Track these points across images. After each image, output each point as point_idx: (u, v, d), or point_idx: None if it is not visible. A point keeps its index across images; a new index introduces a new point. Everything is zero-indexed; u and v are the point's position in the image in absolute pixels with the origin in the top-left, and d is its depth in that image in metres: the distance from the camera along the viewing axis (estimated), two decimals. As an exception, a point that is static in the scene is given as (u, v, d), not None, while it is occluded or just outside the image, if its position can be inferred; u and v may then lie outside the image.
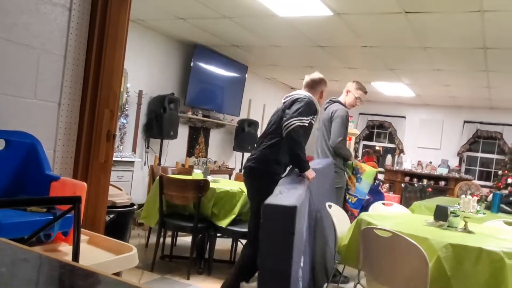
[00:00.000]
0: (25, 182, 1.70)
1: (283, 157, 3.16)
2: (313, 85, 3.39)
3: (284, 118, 3.09)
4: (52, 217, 1.47)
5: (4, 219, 1.37)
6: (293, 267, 2.34)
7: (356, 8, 4.22)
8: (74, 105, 2.10)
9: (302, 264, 2.67)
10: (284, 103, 3.29)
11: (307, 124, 3.11)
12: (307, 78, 3.44)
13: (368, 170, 4.37)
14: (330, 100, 4.31)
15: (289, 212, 2.32)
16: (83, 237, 1.70)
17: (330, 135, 4.07)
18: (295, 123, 3.03)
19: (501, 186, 8.15)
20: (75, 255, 1.23)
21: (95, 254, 1.57)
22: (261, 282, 2.43)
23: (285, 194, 2.59)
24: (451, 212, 2.94)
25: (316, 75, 3.45)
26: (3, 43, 1.85)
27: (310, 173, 3.12)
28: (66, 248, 1.56)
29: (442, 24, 4.36)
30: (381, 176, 9.67)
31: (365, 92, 4.30)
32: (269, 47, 6.26)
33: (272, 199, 2.45)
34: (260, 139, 3.30)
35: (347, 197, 4.37)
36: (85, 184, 1.58)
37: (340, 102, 4.24)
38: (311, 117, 3.17)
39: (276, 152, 3.15)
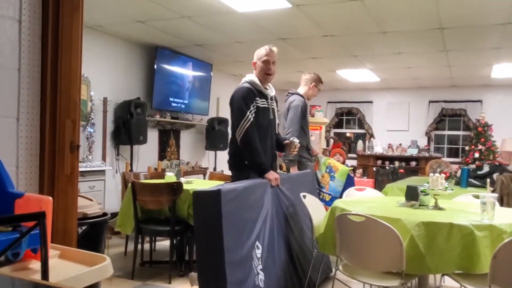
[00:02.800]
0: (-12, 202, 1.64)
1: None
2: (255, 61, 3.31)
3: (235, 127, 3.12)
4: (18, 235, 1.43)
5: (-32, 242, 1.33)
6: (228, 253, 2.41)
7: (314, -2, 4.26)
8: (33, 118, 2.04)
9: (259, 255, 2.72)
10: None
11: (251, 121, 3.07)
12: None
13: (341, 169, 4.48)
14: (289, 92, 4.39)
15: (213, 195, 2.48)
16: (54, 252, 1.66)
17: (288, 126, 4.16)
18: (240, 133, 3.05)
19: (469, 161, 8.41)
20: (44, 272, 1.20)
21: (67, 268, 1.53)
22: (199, 268, 2.55)
23: (223, 185, 2.72)
24: (421, 191, 3.01)
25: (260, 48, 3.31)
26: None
27: (270, 175, 3.09)
28: (36, 266, 1.52)
29: (398, 7, 4.45)
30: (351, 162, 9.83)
31: (320, 80, 4.42)
32: (232, 44, 6.25)
33: (201, 188, 2.62)
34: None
35: (321, 195, 4.43)
36: (50, 198, 1.54)
37: (299, 94, 4.32)
38: (251, 106, 3.11)
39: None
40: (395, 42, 5.82)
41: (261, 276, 2.71)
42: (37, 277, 1.28)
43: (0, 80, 1.95)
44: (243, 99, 3.11)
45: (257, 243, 2.74)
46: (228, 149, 3.39)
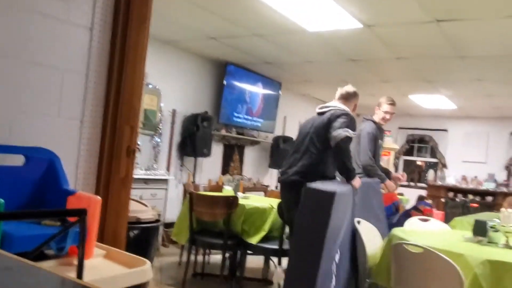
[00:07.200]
0: (44, 197, 1.73)
1: (328, 169, 3.28)
2: (348, 97, 3.49)
3: (331, 130, 3.17)
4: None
5: (17, 232, 1.40)
6: (325, 256, 2.31)
7: (386, 19, 4.14)
8: (96, 122, 2.13)
9: (337, 261, 2.63)
10: (321, 113, 3.38)
11: (353, 136, 3.22)
12: (342, 90, 3.52)
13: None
14: (364, 118, 4.28)
15: (328, 196, 2.42)
16: (100, 251, 1.70)
17: (360, 154, 4.05)
18: (344, 134, 3.12)
19: (554, 201, 7.66)
20: (79, 270, 1.22)
21: (106, 269, 1.56)
22: (291, 265, 2.45)
23: (326, 185, 2.67)
24: (490, 227, 2.77)
25: (351, 88, 3.54)
26: (31, 66, 1.92)
27: (356, 182, 3.23)
28: (80, 262, 1.56)
29: (478, 31, 4.20)
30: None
31: (391, 103, 4.22)
32: (302, 63, 6.24)
33: (313, 185, 2.57)
34: (299, 151, 3.33)
35: None
36: (98, 198, 1.59)
37: (373, 121, 4.19)
38: (354, 133, 3.27)
39: (322, 164, 3.25)
40: (474, 67, 5.50)
41: (333, 282, 2.64)
42: (75, 274, 1.31)
43: (69, 83, 2.06)
44: None
45: (338, 249, 2.70)
46: (308, 167, 3.26)
